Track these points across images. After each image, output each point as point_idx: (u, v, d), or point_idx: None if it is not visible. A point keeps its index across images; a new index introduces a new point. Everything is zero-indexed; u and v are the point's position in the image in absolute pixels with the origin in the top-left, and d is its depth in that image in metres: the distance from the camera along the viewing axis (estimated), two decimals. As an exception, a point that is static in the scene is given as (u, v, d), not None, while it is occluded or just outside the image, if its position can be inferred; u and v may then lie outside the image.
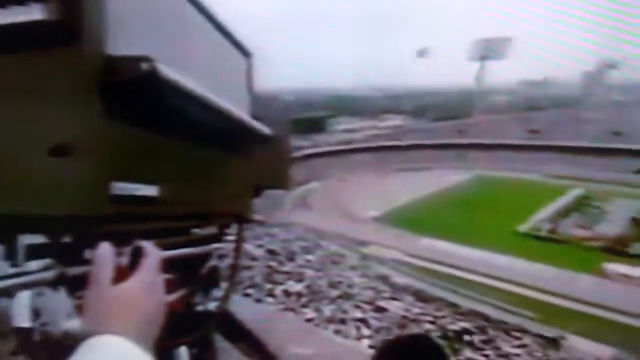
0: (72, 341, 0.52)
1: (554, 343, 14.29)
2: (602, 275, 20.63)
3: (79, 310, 0.84)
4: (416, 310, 15.06)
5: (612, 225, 26.78)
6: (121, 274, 0.58)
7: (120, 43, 0.75)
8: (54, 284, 0.82)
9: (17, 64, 0.68)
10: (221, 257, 1.68)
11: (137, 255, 0.62)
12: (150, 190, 0.92)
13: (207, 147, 1.20)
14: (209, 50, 1.28)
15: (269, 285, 14.41)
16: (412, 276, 20.31)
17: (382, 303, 14.86)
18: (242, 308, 3.33)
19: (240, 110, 1.25)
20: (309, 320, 12.30)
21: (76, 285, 0.83)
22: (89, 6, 0.68)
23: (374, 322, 13.19)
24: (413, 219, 29.44)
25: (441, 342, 1.19)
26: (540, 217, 29.41)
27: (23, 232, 0.82)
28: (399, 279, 19.57)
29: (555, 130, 48.22)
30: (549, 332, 14.81)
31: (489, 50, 56.60)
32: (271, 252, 18.16)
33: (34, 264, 0.81)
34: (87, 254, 0.80)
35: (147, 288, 0.59)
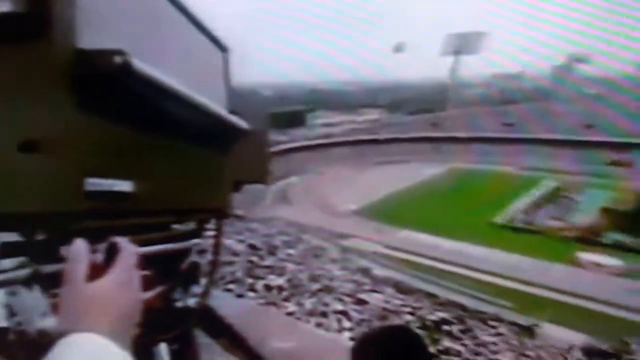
0: (47, 340, 0.52)
1: (528, 331, 14.89)
2: (576, 265, 21.41)
3: (54, 308, 0.83)
4: (396, 301, 15.31)
5: (585, 216, 27.84)
6: (96, 271, 0.58)
7: (92, 36, 0.73)
8: (28, 282, 0.81)
9: None
10: (201, 252, 1.67)
11: (112, 252, 0.61)
12: (126, 186, 0.91)
13: (185, 142, 1.19)
14: (185, 45, 1.26)
15: (250, 280, 14.32)
16: (392, 268, 20.65)
17: (362, 295, 15.03)
18: (224, 303, 3.33)
19: (217, 105, 1.25)
20: (290, 314, 12.31)
21: (51, 283, 0.82)
22: None
23: (354, 315, 13.33)
24: (392, 211, 29.91)
25: (421, 332, 1.23)
26: (515, 209, 30.31)
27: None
28: (379, 271, 19.87)
29: (529, 123, 49.60)
30: (524, 320, 15.38)
31: (462, 44, 57.49)
32: (252, 246, 18.06)
33: (7, 262, 0.79)
34: (62, 251, 0.79)
35: (122, 285, 0.58)
